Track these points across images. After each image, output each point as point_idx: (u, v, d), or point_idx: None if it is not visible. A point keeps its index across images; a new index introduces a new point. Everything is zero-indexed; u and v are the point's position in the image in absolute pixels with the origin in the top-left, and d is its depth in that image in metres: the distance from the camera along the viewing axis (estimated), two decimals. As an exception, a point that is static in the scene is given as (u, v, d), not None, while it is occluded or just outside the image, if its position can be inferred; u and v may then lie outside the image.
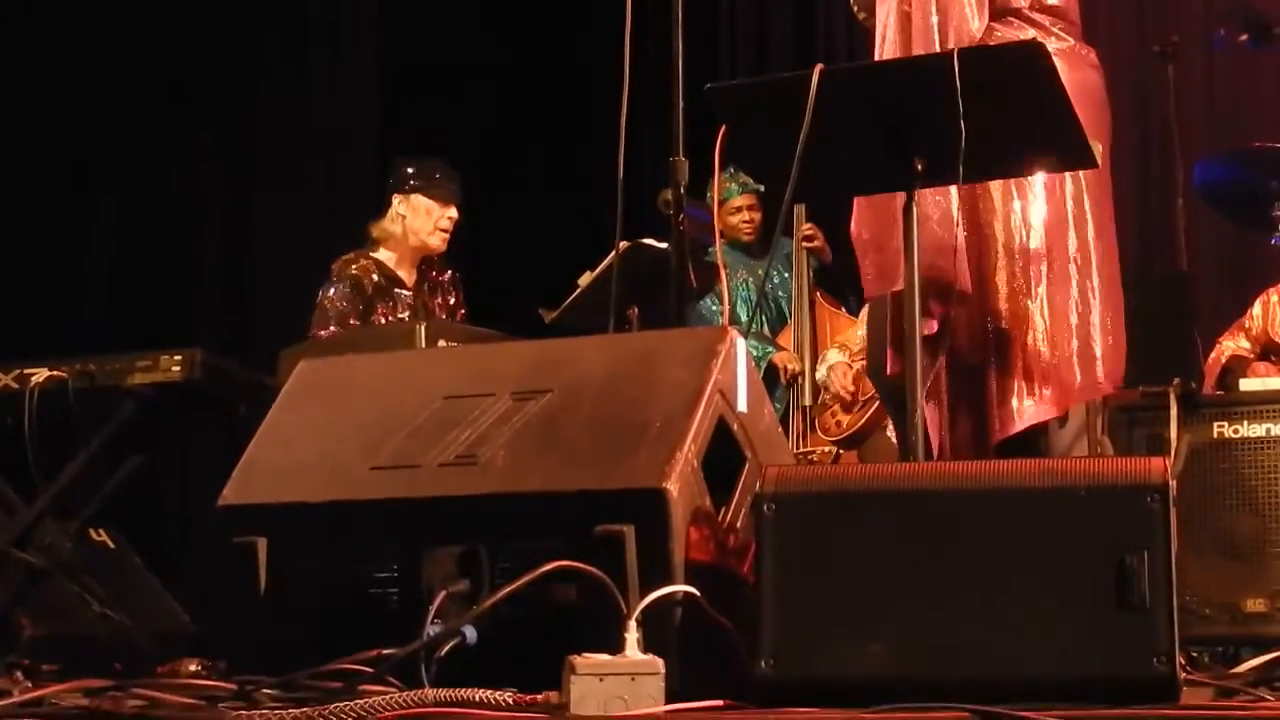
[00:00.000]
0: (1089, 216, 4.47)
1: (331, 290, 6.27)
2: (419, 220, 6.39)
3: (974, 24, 4.41)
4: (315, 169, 8.56)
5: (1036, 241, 4.40)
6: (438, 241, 6.42)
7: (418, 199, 6.39)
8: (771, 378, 7.02)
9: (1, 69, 7.71)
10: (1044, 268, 4.41)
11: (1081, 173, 4.39)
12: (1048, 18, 4.50)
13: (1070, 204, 4.44)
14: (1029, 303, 4.39)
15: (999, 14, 4.47)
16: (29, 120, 7.84)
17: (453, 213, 6.43)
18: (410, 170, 6.42)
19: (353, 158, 8.54)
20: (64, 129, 8.07)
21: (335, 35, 8.71)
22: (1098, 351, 4.42)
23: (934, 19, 4.42)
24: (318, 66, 8.64)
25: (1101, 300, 4.45)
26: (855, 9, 4.82)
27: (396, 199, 6.41)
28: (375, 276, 6.34)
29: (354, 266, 6.33)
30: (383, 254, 6.42)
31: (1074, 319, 4.41)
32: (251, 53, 8.61)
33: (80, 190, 8.34)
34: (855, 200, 4.56)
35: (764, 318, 7.40)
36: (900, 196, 4.10)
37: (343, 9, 8.75)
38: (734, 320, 6.76)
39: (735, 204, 7.41)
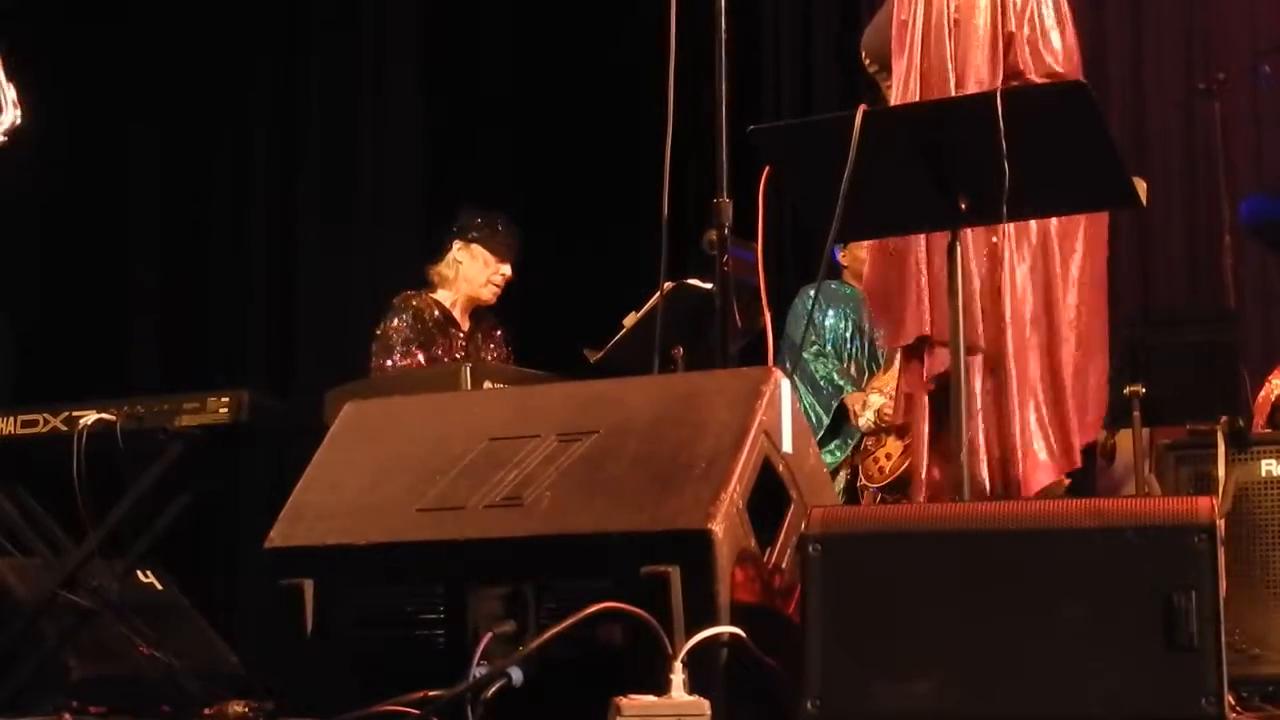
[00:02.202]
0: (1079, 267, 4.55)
1: (395, 320, 6.32)
2: (474, 270, 6.43)
3: (989, 85, 4.47)
4: (359, 212, 8.58)
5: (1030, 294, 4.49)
6: (489, 294, 6.47)
7: (477, 249, 6.43)
8: (845, 416, 6.97)
9: (54, 113, 7.78)
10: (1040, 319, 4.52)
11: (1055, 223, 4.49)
12: None
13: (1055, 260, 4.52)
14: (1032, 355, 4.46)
15: (1009, 78, 4.51)
16: (76, 160, 7.90)
17: (507, 269, 6.46)
18: (475, 220, 6.46)
19: (397, 198, 8.57)
20: (107, 168, 8.13)
21: (379, 75, 8.74)
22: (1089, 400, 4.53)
23: (951, 76, 4.48)
24: (362, 107, 8.67)
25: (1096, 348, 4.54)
26: (866, 61, 4.86)
27: (456, 244, 6.45)
28: (436, 313, 6.39)
29: (415, 299, 6.39)
30: (440, 295, 6.47)
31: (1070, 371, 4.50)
32: (297, 90, 8.66)
33: (124, 231, 8.41)
34: (868, 252, 4.67)
35: (863, 357, 7.32)
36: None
37: (388, 50, 8.78)
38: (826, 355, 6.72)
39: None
